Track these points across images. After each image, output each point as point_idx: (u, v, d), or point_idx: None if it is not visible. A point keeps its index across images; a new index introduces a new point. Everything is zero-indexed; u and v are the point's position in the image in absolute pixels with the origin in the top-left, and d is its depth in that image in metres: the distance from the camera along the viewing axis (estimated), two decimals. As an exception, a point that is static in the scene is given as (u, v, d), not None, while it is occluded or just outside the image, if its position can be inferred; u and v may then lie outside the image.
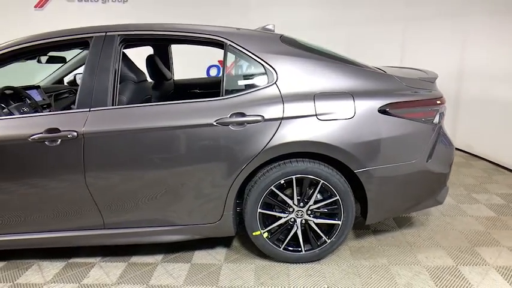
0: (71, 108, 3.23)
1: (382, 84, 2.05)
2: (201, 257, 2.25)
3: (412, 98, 2.01)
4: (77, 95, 1.97)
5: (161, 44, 3.19)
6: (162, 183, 1.98)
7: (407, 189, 2.09)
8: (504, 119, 3.43)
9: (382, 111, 1.95)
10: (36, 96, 2.74)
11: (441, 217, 2.64)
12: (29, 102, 2.56)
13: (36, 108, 2.58)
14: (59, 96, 3.14)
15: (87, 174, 1.93)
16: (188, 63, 4.81)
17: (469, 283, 1.93)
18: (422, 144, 2.03)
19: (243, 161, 1.93)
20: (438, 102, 2.06)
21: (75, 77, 3.52)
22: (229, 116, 1.91)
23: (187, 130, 1.92)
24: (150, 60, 2.88)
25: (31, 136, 1.89)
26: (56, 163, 1.93)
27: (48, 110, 2.79)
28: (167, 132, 1.92)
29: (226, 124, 1.90)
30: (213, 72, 6.48)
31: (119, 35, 2.02)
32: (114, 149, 1.93)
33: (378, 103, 1.96)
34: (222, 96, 1.98)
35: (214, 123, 1.90)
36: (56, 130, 1.90)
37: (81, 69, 3.36)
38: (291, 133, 1.91)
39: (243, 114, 1.91)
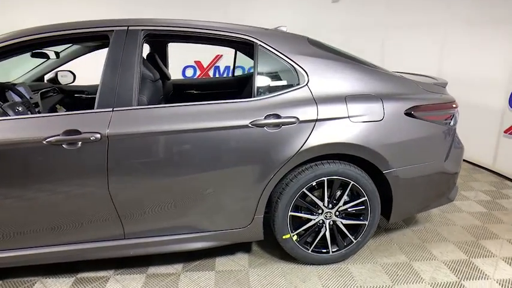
0: (55, 109, 2.96)
1: (405, 88, 2.13)
2: (223, 263, 2.16)
3: (433, 102, 2.12)
4: (98, 93, 1.80)
5: (183, 41, 3.00)
6: (192, 188, 1.87)
7: (428, 188, 2.19)
8: (481, 122, 3.74)
9: (408, 114, 2.03)
10: (24, 94, 2.46)
11: (441, 214, 2.80)
12: (21, 100, 2.29)
13: (29, 107, 2.32)
14: (44, 94, 2.85)
15: (110, 180, 1.77)
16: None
17: (485, 274, 2.07)
18: (441, 146, 2.15)
19: (278, 163, 1.89)
20: (454, 105, 2.18)
21: (56, 74, 3.23)
22: (264, 118, 1.86)
23: (221, 132, 1.84)
24: (151, 58, 2.73)
25: (46, 139, 1.69)
26: (75, 168, 1.74)
27: (37, 110, 2.51)
28: (199, 135, 1.82)
29: (262, 126, 1.86)
30: (189, 72, 6.32)
31: (142, 29, 1.88)
32: (141, 152, 1.79)
33: (404, 106, 2.03)
34: (254, 97, 1.93)
35: (250, 125, 1.84)
36: (76, 132, 1.72)
37: (63, 67, 3.15)
38: (325, 135, 1.91)
39: (278, 116, 1.88)
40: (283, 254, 2.20)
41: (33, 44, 1.83)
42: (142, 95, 1.99)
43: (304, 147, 1.89)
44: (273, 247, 2.29)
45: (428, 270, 2.10)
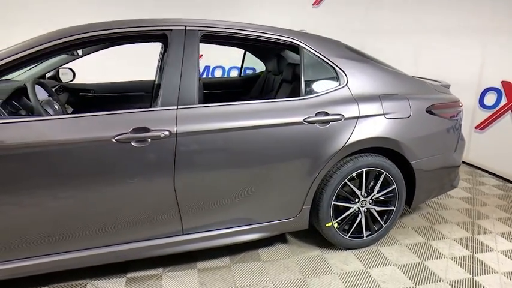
0: (64, 107, 2.85)
1: (423, 89, 2.42)
2: (267, 254, 2.28)
3: (445, 101, 2.43)
4: (161, 91, 1.83)
5: (234, 43, 3.02)
6: (250, 182, 1.98)
7: (441, 176, 2.51)
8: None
9: (428, 111, 2.32)
10: (52, 91, 2.36)
11: (437, 200, 3.17)
12: (53, 98, 2.20)
13: (61, 105, 2.24)
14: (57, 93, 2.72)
15: (176, 176, 1.81)
16: (128, 64, 4.55)
17: (490, 247, 2.43)
18: (452, 139, 2.47)
19: (326, 157, 2.06)
20: (460, 104, 2.53)
21: (58, 71, 3.09)
22: (315, 115, 2.03)
23: (277, 129, 1.96)
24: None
25: (116, 136, 1.69)
26: (143, 165, 1.76)
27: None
28: (258, 131, 1.93)
29: (313, 122, 2.02)
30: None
31: (199, 30, 1.94)
32: (206, 148, 1.85)
33: (425, 104, 2.32)
34: (303, 96, 2.08)
35: (303, 122, 2.00)
36: (145, 129, 1.73)
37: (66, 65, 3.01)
38: (366, 130, 2.12)
39: (326, 113, 2.05)
40: (318, 242, 2.38)
41: (92, 40, 1.80)
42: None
43: (348, 142, 2.08)
44: (306, 236, 2.45)
45: (445, 247, 2.41)
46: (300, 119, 2.00)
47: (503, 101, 3.65)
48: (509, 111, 3.59)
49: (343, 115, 2.08)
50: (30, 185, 1.63)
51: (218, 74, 5.94)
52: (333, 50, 2.22)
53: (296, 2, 5.74)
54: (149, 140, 1.73)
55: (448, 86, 2.68)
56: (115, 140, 1.69)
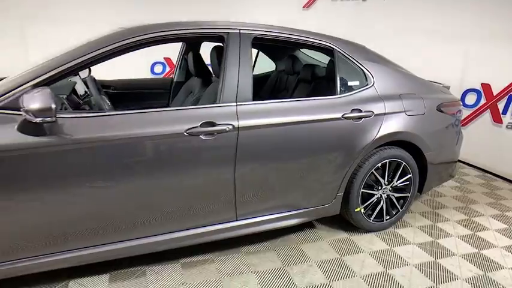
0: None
1: (432, 89, 2.76)
2: (303, 239, 2.50)
3: (449, 100, 2.79)
4: (221, 88, 1.98)
5: (278, 45, 3.10)
6: (297, 171, 2.19)
7: (446, 166, 2.86)
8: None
9: (438, 109, 2.65)
10: (99, 87, 2.42)
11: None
12: (100, 93, 2.27)
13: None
14: None
15: (237, 167, 1.98)
16: (130, 61, 4.63)
17: (486, 227, 2.82)
18: (454, 133, 2.83)
19: (359, 149, 2.32)
20: (460, 103, 2.89)
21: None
22: (351, 111, 2.28)
23: (320, 124, 2.19)
24: (197, 57, 2.82)
25: (187, 130, 1.83)
26: (210, 157, 1.92)
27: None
28: (304, 126, 2.14)
29: (349, 118, 2.27)
30: (158, 69, 6.26)
31: (251, 33, 2.12)
32: (261, 141, 2.03)
33: (435, 103, 2.65)
34: (338, 94, 2.32)
35: (342, 117, 2.24)
36: (212, 124, 1.89)
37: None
38: (391, 125, 2.41)
39: (360, 110, 2.31)
40: (343, 227, 2.65)
41: (162, 39, 1.92)
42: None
43: (377, 136, 2.36)
44: (330, 222, 2.70)
45: (450, 228, 2.77)
46: (339, 115, 2.24)
47: (483, 101, 4.13)
48: (488, 109, 4.08)
49: (373, 112, 2.35)
50: (107, 176, 1.73)
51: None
52: (361, 54, 2.48)
53: (287, 4, 6.00)
54: (216, 133, 1.89)
55: (448, 87, 3.05)
56: (186, 133, 1.83)
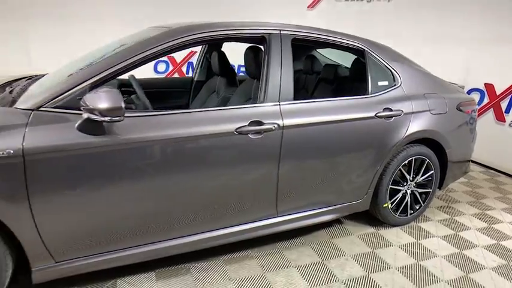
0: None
1: (452, 89, 2.88)
2: (333, 234, 2.58)
3: (466, 99, 2.91)
4: (265, 88, 2.03)
5: (314, 46, 3.13)
6: (333, 169, 2.26)
7: (462, 162, 2.99)
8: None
9: (458, 108, 2.78)
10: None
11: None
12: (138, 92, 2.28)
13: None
14: None
15: (281, 165, 2.04)
16: None
17: (499, 219, 2.97)
18: (472, 130, 2.97)
19: (390, 146, 2.41)
20: (475, 102, 3.03)
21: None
22: (383, 110, 2.37)
23: (355, 122, 2.27)
24: (221, 56, 2.84)
25: (237, 129, 1.87)
26: (257, 155, 1.97)
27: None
28: (341, 124, 2.22)
29: (382, 117, 2.35)
30: (161, 68, 6.24)
31: (290, 34, 2.17)
32: (302, 140, 2.10)
33: (455, 102, 2.77)
34: (370, 94, 2.41)
35: (375, 116, 2.32)
36: (260, 123, 1.94)
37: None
38: (418, 123, 2.52)
39: (390, 109, 2.40)
40: (368, 222, 2.74)
41: (211, 39, 1.96)
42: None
43: (407, 134, 2.46)
44: (355, 218, 2.79)
45: (467, 222, 2.91)
46: (373, 113, 2.32)
47: (486, 100, 4.31)
48: (491, 108, 4.26)
49: (402, 111, 2.44)
50: (165, 174, 1.76)
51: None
52: (388, 54, 2.57)
53: (291, 4, 6.06)
54: (263, 132, 1.94)
55: (462, 87, 3.19)
56: (236, 132, 1.87)
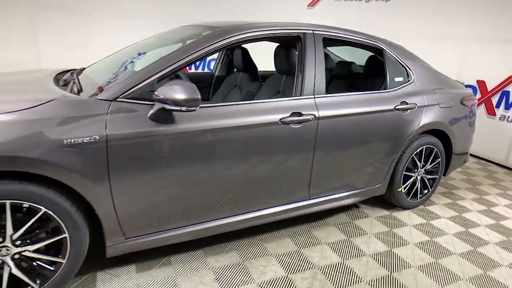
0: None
1: (455, 85, 3.18)
2: (354, 217, 2.84)
3: (468, 94, 3.22)
4: (302, 83, 2.25)
5: (339, 44, 3.32)
6: (359, 156, 2.51)
7: (463, 152, 3.30)
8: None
9: (461, 102, 3.08)
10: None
11: (442, 173, 4.03)
12: None
13: None
14: None
15: (316, 153, 2.27)
16: None
17: (495, 203, 3.30)
18: (472, 123, 3.28)
19: (406, 136, 2.68)
20: (475, 97, 3.34)
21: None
22: (400, 104, 2.63)
23: (378, 114, 2.52)
24: (245, 54, 3.02)
25: (281, 119, 2.09)
26: (297, 143, 2.18)
27: None
28: (367, 116, 2.46)
29: (399, 110, 2.62)
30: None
31: (321, 34, 2.39)
32: (335, 129, 2.33)
33: (459, 97, 3.07)
34: (388, 88, 2.67)
35: (394, 109, 2.58)
36: (299, 114, 2.16)
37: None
38: (429, 116, 2.79)
39: (406, 103, 2.66)
40: (382, 205, 3.02)
41: (247, 40, 2.14)
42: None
43: (420, 125, 2.73)
44: (368, 203, 3.06)
45: (468, 205, 3.22)
46: (392, 106, 2.58)
47: (478, 96, 4.67)
48: (483, 103, 4.62)
49: (416, 104, 2.71)
50: (224, 159, 1.96)
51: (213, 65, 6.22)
52: (403, 53, 2.84)
53: (292, 3, 6.27)
54: (302, 122, 2.16)
55: (463, 83, 3.50)
56: (280, 121, 2.09)
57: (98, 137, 1.60)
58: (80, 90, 1.88)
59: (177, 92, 1.65)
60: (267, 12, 6.04)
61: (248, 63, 3.03)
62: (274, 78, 2.68)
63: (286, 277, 2.04)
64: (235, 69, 3.33)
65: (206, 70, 5.87)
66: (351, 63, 3.41)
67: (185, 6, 5.54)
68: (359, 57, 3.59)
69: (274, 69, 2.60)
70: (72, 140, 1.56)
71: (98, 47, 4.87)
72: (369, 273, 2.14)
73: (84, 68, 2.55)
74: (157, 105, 1.71)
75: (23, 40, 4.75)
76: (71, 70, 2.56)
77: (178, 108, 1.66)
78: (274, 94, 2.57)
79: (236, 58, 3.07)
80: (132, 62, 2.44)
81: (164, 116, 1.75)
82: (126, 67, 2.33)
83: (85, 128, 1.59)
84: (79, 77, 2.15)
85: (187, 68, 6.36)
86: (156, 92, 1.70)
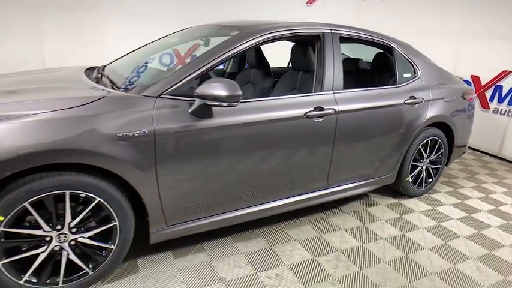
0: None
1: (456, 80, 3.38)
2: (365, 204, 3.02)
3: (467, 89, 3.43)
4: (322, 79, 2.40)
5: (353, 42, 3.46)
6: (373, 147, 2.69)
7: (463, 143, 3.52)
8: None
9: (462, 96, 3.28)
10: None
11: (441, 164, 4.25)
12: None
13: None
14: None
15: (335, 144, 2.43)
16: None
17: (493, 191, 3.54)
18: (472, 115, 3.49)
19: (414, 128, 2.87)
20: (474, 91, 3.56)
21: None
22: (409, 98, 2.81)
23: (389, 108, 2.70)
24: (258, 51, 3.16)
25: (305, 113, 2.24)
26: (319, 135, 2.34)
27: None
28: (380, 110, 2.64)
29: (409, 104, 2.80)
30: (166, 59, 6.38)
31: (338, 33, 2.55)
32: (352, 122, 2.49)
33: (460, 91, 3.27)
34: (398, 84, 2.84)
35: (404, 103, 2.77)
36: (321, 108, 2.31)
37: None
38: (435, 110, 2.99)
39: (414, 97, 2.85)
40: (389, 194, 3.21)
41: (273, 39, 2.27)
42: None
43: (426, 118, 2.92)
44: (376, 192, 3.25)
45: (468, 193, 3.45)
46: (402, 101, 2.76)
47: (472, 90, 4.91)
48: (477, 97, 4.87)
49: (423, 98, 2.90)
50: (257, 150, 2.11)
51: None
52: (409, 50, 3.02)
53: (290, 0, 6.40)
54: (323, 116, 2.32)
55: (462, 79, 3.71)
56: (304, 116, 2.24)
57: (146, 131, 1.73)
58: (118, 87, 1.99)
59: (219, 89, 1.78)
60: (266, 8, 6.13)
61: (261, 60, 3.17)
62: (289, 74, 2.83)
63: (313, 259, 2.20)
64: (246, 66, 3.46)
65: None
66: (358, 59, 3.58)
67: (184, 4, 5.61)
68: (362, 54, 3.76)
69: (280, 66, 2.73)
70: (124, 134, 1.68)
71: (102, 46, 4.95)
72: (386, 254, 2.32)
73: (105, 65, 2.67)
74: (199, 101, 1.84)
75: (27, 38, 4.77)
76: (94, 67, 2.67)
77: (220, 103, 1.80)
78: (291, 90, 2.72)
79: (249, 55, 3.20)
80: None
81: (204, 111, 1.88)
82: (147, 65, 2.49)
83: (135, 122, 1.71)
84: (108, 74, 2.27)
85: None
86: (197, 89, 1.82)
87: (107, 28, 5.07)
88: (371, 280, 2.06)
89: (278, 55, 4.27)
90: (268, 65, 3.27)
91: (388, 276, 2.11)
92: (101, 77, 2.28)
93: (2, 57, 4.42)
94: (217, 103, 1.80)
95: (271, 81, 3.07)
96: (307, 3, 6.41)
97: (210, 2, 5.81)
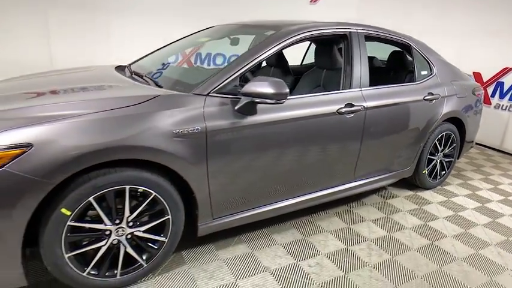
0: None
1: (465, 77, 3.54)
2: (385, 197, 3.15)
3: (476, 85, 3.59)
4: (351, 77, 2.51)
5: (373, 41, 3.56)
6: (396, 141, 2.81)
7: (472, 137, 3.68)
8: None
9: (473, 92, 3.44)
10: None
11: (447, 157, 4.42)
12: None
13: None
14: None
15: (363, 139, 2.55)
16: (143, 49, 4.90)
17: (500, 182, 3.72)
18: (480, 111, 3.66)
19: (432, 123, 3.01)
20: (482, 88, 3.72)
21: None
22: (428, 94, 2.94)
23: (410, 104, 2.82)
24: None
25: (338, 109, 2.35)
26: (349, 130, 2.45)
27: None
28: (403, 106, 2.76)
29: (427, 100, 2.93)
30: (170, 58, 6.41)
31: (363, 32, 2.65)
32: (379, 118, 2.61)
33: (471, 87, 3.43)
34: (416, 81, 2.97)
35: (423, 99, 2.90)
36: (352, 105, 2.42)
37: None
38: (450, 105, 3.13)
39: (432, 94, 2.98)
40: (404, 187, 3.35)
41: (305, 39, 2.37)
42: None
43: (443, 113, 3.07)
44: (393, 186, 3.39)
45: (478, 184, 3.62)
46: (421, 97, 2.89)
47: (474, 87, 5.10)
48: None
49: (440, 95, 3.04)
50: (294, 147, 2.20)
51: (219, 61, 6.39)
52: (425, 49, 3.15)
53: (294, -1, 6.49)
54: (353, 112, 2.43)
55: (470, 75, 3.87)
56: (337, 112, 2.34)
57: (199, 128, 1.80)
58: (160, 86, 2.06)
59: (267, 87, 1.87)
60: (269, 7, 6.20)
61: (281, 59, 3.26)
62: (312, 72, 2.93)
63: (347, 249, 2.32)
64: (264, 64, 3.55)
65: (212, 66, 6.03)
66: (373, 57, 3.70)
67: (193, 3, 5.64)
68: (371, 53, 3.89)
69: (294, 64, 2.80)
70: (180, 131, 1.75)
71: (110, 45, 4.98)
72: (414, 242, 2.45)
73: (130, 64, 2.76)
74: (245, 99, 1.92)
75: (34, 38, 4.76)
76: (122, 66, 2.73)
77: (268, 101, 1.88)
78: (314, 88, 2.82)
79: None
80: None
81: (249, 108, 1.97)
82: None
83: (188, 119, 1.79)
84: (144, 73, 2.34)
85: (193, 62, 6.54)
86: (244, 87, 1.91)
87: (115, 28, 5.09)
88: (404, 266, 2.18)
89: (291, 54, 4.38)
90: (287, 63, 3.37)
91: (419, 262, 2.23)
92: (135, 74, 2.34)
93: (14, 55, 4.41)
94: (268, 101, 1.88)
95: (291, 79, 3.17)
96: (310, 2, 6.51)
97: (215, 1, 5.86)
